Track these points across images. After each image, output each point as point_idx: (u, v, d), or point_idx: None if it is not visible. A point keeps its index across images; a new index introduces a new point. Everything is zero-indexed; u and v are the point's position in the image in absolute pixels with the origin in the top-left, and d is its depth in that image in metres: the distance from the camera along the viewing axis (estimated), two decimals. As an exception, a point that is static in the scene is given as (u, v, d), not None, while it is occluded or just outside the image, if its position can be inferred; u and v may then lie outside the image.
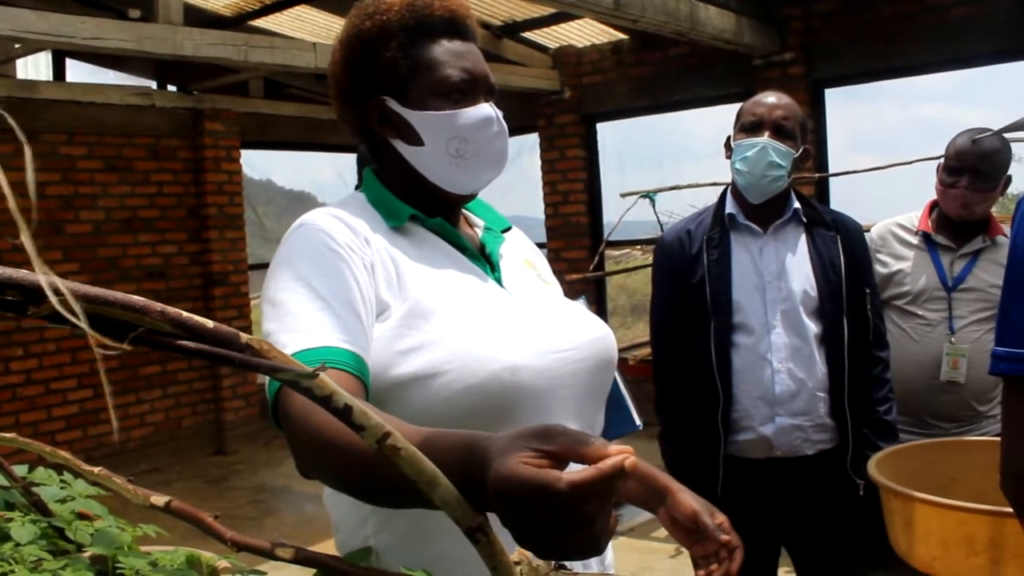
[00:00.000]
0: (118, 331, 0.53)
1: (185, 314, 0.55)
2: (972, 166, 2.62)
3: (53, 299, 0.41)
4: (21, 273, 0.48)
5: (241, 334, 0.57)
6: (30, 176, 0.46)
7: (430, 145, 1.29)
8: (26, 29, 4.45)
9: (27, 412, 6.54)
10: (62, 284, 0.46)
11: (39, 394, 6.63)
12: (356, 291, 1.16)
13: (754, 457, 2.41)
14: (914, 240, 2.80)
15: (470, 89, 1.30)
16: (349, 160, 9.92)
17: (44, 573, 1.02)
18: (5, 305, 0.49)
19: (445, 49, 1.30)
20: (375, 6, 1.32)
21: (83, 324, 0.42)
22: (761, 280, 2.42)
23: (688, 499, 1.34)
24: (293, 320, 1.11)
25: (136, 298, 0.54)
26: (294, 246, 1.21)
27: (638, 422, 1.49)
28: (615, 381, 1.41)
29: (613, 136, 7.95)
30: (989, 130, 2.67)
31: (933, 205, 2.83)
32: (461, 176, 1.31)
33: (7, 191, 0.41)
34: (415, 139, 1.30)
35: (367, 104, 1.32)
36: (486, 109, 1.31)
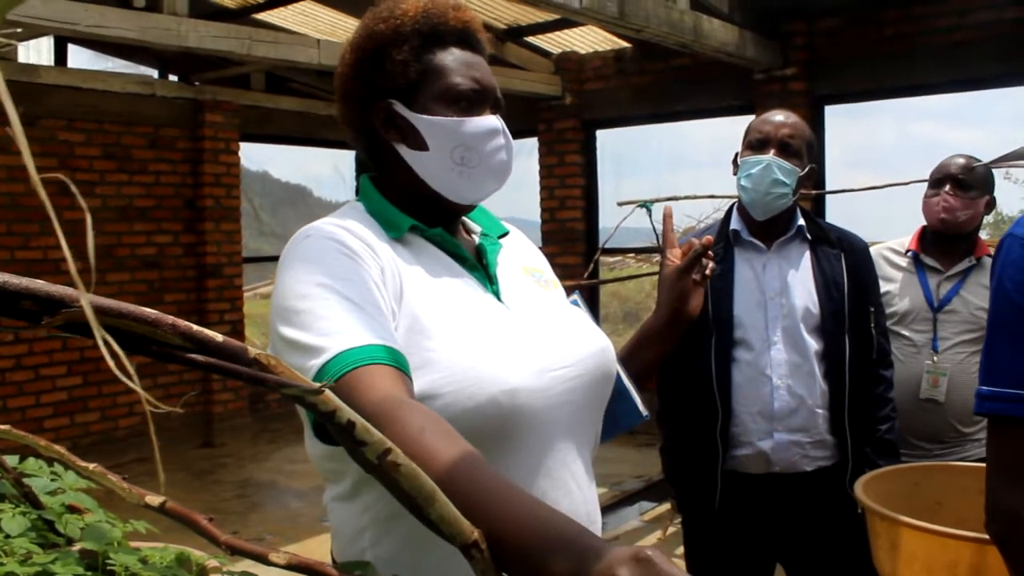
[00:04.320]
0: (131, 342, 0.54)
1: (195, 327, 0.56)
2: (952, 176, 2.78)
3: (93, 321, 0.42)
4: (38, 283, 0.49)
5: (249, 348, 0.58)
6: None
7: (434, 150, 1.29)
8: (29, 14, 4.44)
9: (15, 397, 6.53)
10: (85, 297, 0.46)
11: (28, 380, 6.61)
12: (376, 294, 1.15)
13: (753, 472, 2.42)
14: (903, 262, 2.87)
15: (478, 99, 1.31)
16: (346, 156, 9.93)
17: (34, 566, 1.03)
18: (21, 314, 0.50)
19: (456, 57, 1.31)
20: (390, 11, 1.32)
21: (115, 346, 0.43)
22: (763, 296, 2.43)
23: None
24: (326, 323, 1.08)
25: (148, 311, 0.54)
26: (305, 254, 1.19)
27: (644, 412, 1.48)
28: (618, 375, 1.40)
29: (612, 143, 7.97)
30: (977, 160, 2.78)
31: (924, 230, 2.91)
32: (463, 185, 1.31)
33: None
34: (420, 144, 1.30)
35: (373, 107, 1.32)
36: (493, 120, 1.31)
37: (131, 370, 0.42)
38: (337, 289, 1.12)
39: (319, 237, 1.21)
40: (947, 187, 2.77)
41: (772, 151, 2.42)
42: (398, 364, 1.06)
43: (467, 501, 0.83)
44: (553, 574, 0.77)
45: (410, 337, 1.16)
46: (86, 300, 0.41)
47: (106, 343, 0.41)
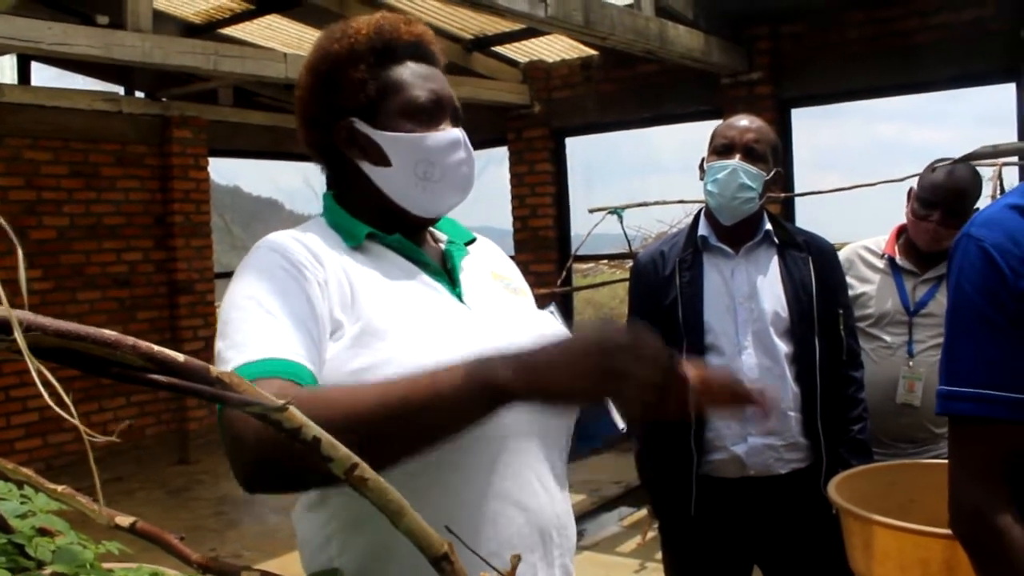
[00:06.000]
0: (92, 364, 0.53)
1: (156, 348, 0.56)
2: (945, 202, 2.65)
3: (20, 339, 0.42)
4: (-7, 308, 0.49)
5: (211, 368, 0.58)
6: None
7: (397, 166, 1.31)
8: (-9, 33, 4.40)
9: (-15, 420, 6.45)
10: (15, 320, 0.46)
11: (-2, 402, 6.53)
12: (307, 307, 1.16)
13: (727, 476, 2.43)
14: (880, 264, 2.84)
15: (437, 112, 1.32)
16: (317, 169, 9.86)
17: (3, 592, 1.01)
18: (-23, 339, 0.50)
19: (412, 71, 1.33)
20: (343, 30, 1.35)
21: (48, 376, 0.43)
22: (732, 301, 2.44)
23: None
24: (238, 336, 1.12)
25: (108, 332, 0.54)
26: (248, 267, 1.22)
27: (621, 425, 1.47)
28: None
29: (582, 151, 8.00)
30: (950, 159, 2.73)
31: (900, 230, 2.87)
32: (426, 198, 1.32)
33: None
34: (382, 160, 1.31)
35: (334, 126, 1.33)
36: (454, 133, 1.33)
37: (67, 400, 0.42)
38: (261, 302, 1.15)
39: (266, 250, 1.23)
40: (938, 215, 2.65)
41: (737, 156, 2.43)
42: (297, 376, 1.08)
43: (399, 396, 1.01)
44: (501, 382, 0.91)
45: (362, 339, 1.17)
46: (16, 324, 0.41)
47: (40, 372, 0.41)
